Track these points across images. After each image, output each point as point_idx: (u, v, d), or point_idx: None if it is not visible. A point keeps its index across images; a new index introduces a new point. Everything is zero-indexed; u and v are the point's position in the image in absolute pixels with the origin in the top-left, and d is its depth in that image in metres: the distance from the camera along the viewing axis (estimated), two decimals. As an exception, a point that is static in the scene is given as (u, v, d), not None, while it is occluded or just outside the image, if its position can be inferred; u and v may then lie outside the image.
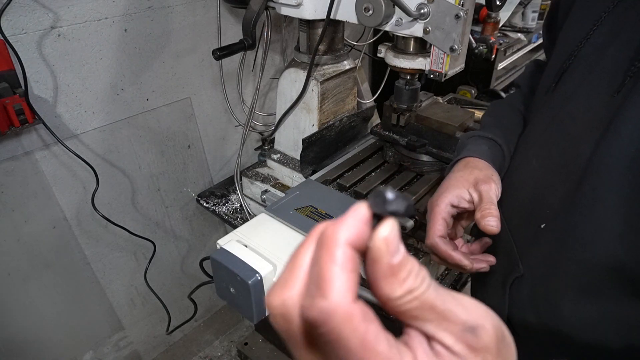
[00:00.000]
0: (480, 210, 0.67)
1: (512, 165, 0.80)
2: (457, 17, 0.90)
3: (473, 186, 0.71)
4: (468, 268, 0.69)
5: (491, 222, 0.64)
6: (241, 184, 1.48)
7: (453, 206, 0.72)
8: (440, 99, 1.45)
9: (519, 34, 2.13)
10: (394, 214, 0.26)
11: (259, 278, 0.82)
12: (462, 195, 0.71)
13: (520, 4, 2.02)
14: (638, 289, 0.55)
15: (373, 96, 1.54)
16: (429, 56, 1.02)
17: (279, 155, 1.42)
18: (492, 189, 0.70)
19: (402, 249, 0.26)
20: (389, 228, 0.26)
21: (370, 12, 0.98)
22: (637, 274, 0.54)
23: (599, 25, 0.61)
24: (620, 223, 0.54)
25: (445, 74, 1.01)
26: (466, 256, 0.70)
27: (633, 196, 0.52)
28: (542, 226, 0.65)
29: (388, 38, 1.19)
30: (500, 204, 0.71)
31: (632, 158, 0.52)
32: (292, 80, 1.29)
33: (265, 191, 1.36)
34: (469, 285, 1.23)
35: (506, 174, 0.80)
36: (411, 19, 0.96)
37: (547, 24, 0.83)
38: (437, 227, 0.71)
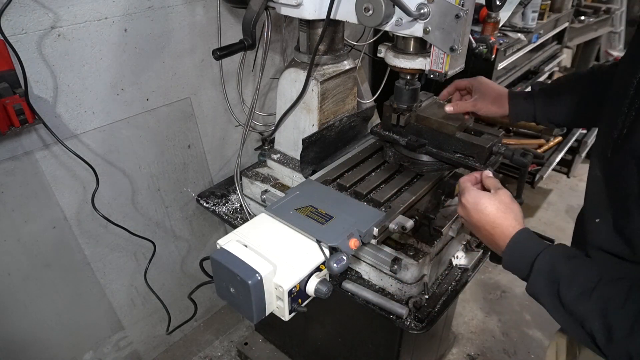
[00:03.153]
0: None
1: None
2: (457, 17, 0.90)
3: (479, 92, 1.21)
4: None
5: (447, 107, 1.20)
6: (241, 184, 1.48)
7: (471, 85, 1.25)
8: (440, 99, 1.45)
9: (519, 34, 2.13)
10: None
11: (259, 278, 0.82)
12: (475, 86, 1.24)
13: (520, 4, 2.02)
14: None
15: (373, 96, 1.54)
16: (429, 56, 1.02)
17: (279, 155, 1.42)
18: (472, 101, 1.21)
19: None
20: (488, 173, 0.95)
21: (370, 12, 0.98)
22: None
23: None
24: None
25: (445, 74, 1.01)
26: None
27: None
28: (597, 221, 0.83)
29: (388, 38, 1.19)
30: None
31: None
32: (292, 80, 1.29)
33: (265, 191, 1.36)
34: (468, 285, 1.23)
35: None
36: (411, 19, 0.96)
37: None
38: (460, 83, 1.28)
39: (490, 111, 1.20)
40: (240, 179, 1.47)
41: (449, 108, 1.18)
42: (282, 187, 1.36)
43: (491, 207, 0.85)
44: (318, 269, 0.90)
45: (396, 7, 0.95)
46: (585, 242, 0.86)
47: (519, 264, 0.80)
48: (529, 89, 1.23)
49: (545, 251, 0.77)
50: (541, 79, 2.59)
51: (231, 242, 0.91)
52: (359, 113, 1.43)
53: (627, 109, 0.72)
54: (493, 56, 1.77)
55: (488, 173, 0.96)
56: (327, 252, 0.91)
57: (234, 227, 1.20)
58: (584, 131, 2.74)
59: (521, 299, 2.30)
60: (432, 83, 1.90)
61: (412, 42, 1.06)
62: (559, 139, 2.52)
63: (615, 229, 0.77)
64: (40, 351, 1.43)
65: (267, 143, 1.65)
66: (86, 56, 1.18)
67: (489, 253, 1.10)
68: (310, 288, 0.89)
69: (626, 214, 0.74)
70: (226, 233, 1.10)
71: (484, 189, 0.93)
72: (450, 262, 1.29)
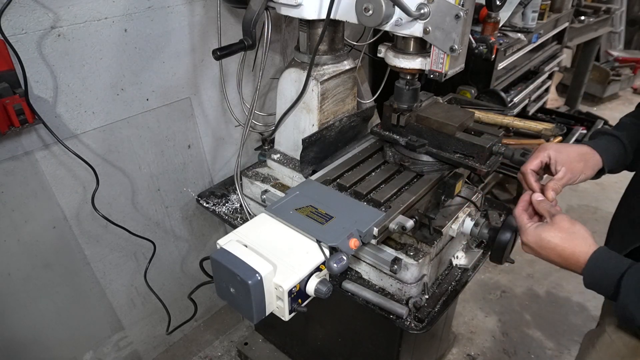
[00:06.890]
0: (549, 181, 0.97)
1: None
2: (457, 17, 0.90)
3: (566, 164, 0.98)
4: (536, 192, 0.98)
5: (550, 194, 0.95)
6: (241, 184, 1.48)
7: (550, 159, 0.99)
8: (440, 99, 1.45)
9: (519, 34, 2.13)
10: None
11: (259, 278, 0.82)
12: (558, 159, 0.99)
13: (520, 4, 2.02)
14: None
15: (373, 96, 1.54)
16: (429, 56, 1.02)
17: (279, 155, 1.42)
18: (566, 176, 0.98)
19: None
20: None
21: (370, 12, 0.98)
22: None
23: None
24: None
25: (445, 74, 1.01)
26: (539, 186, 0.97)
27: None
28: None
29: (388, 38, 1.19)
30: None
31: None
32: (292, 80, 1.29)
33: (265, 191, 1.36)
34: (468, 285, 1.23)
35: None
36: (411, 19, 0.96)
37: None
38: (533, 162, 0.99)
39: (583, 174, 1.02)
40: (240, 179, 1.47)
41: (551, 194, 0.96)
42: (282, 187, 1.36)
43: (554, 239, 0.83)
44: (318, 269, 0.90)
45: (396, 7, 0.95)
46: None
47: (604, 283, 0.79)
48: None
49: (633, 268, 0.75)
50: (541, 79, 2.59)
51: (231, 242, 0.91)
52: (359, 113, 1.43)
53: None
54: (493, 56, 1.77)
55: (537, 197, 0.93)
56: (327, 252, 0.91)
57: (234, 227, 1.20)
58: (584, 131, 2.73)
59: (521, 299, 2.30)
60: (432, 83, 1.90)
61: (412, 42, 1.06)
62: (559, 138, 2.51)
63: None
64: (41, 351, 1.43)
65: (267, 143, 1.65)
66: (86, 56, 1.18)
67: (489, 253, 1.10)
68: (310, 288, 0.89)
69: None
70: (226, 233, 1.10)
71: (536, 212, 0.92)
72: (450, 262, 1.29)
